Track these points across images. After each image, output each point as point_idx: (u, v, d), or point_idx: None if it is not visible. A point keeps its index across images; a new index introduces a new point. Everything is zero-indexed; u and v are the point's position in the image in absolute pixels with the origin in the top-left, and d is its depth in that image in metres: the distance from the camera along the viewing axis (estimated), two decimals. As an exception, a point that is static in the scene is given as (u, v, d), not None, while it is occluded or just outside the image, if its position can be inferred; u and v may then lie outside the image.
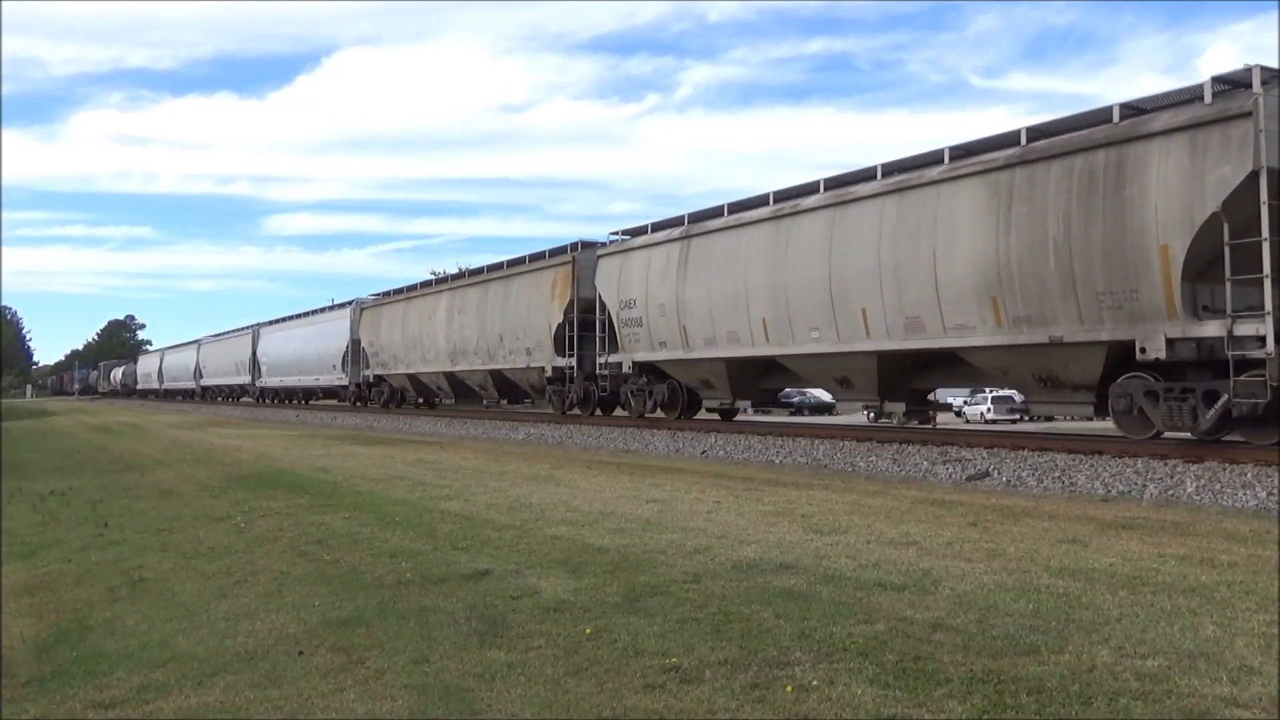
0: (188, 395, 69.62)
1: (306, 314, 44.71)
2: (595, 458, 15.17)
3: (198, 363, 63.10)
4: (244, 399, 55.73)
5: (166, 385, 73.81)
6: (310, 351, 41.64)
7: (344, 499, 10.77)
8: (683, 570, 6.27)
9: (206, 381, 61.65)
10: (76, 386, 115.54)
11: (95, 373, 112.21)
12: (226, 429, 28.26)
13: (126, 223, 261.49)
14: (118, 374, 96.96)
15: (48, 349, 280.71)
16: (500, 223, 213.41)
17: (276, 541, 8.32)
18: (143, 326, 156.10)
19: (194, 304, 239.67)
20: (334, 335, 38.79)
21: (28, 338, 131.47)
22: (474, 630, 5.13)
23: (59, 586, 7.49)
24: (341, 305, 39.50)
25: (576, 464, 13.88)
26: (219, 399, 60.99)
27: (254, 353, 50.63)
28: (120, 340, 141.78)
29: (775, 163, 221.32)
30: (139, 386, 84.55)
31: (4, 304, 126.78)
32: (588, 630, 4.98)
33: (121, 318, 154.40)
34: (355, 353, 36.98)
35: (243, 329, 54.61)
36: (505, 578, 6.29)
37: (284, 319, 48.43)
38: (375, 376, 35.57)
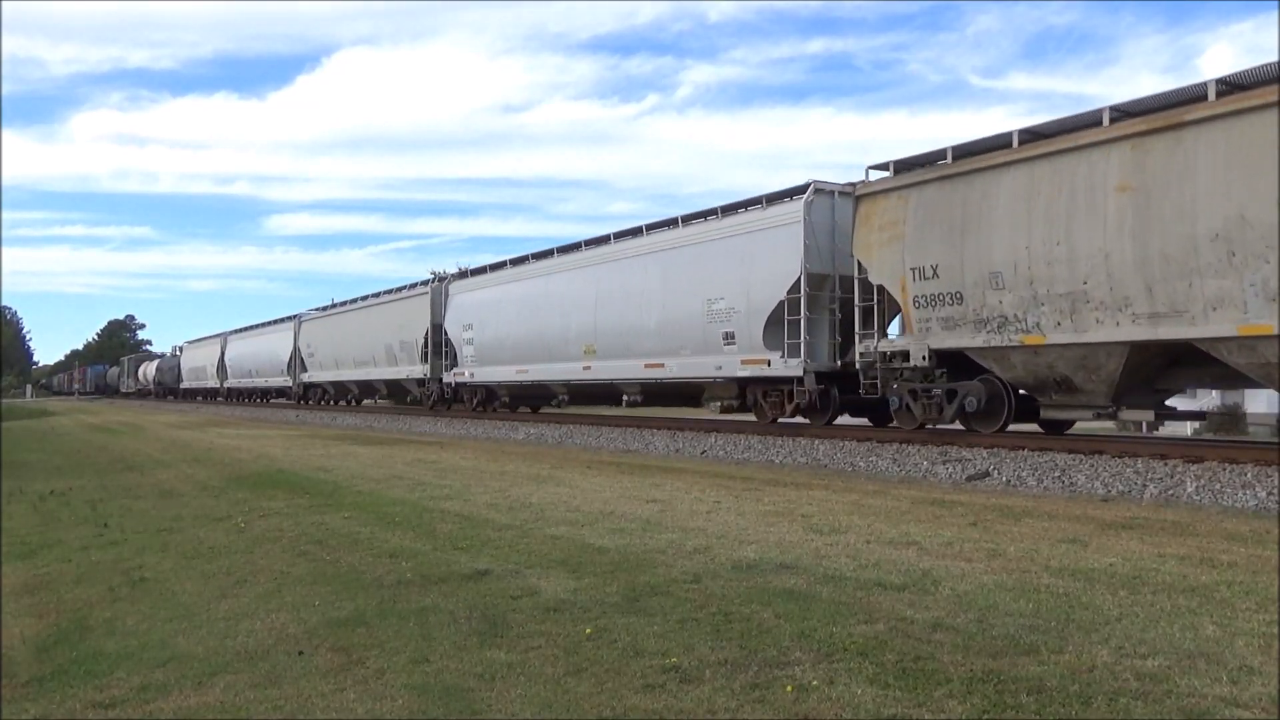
0: (267, 398, 48.96)
1: (545, 254, 24.42)
2: (595, 458, 15.17)
3: (297, 349, 41.59)
4: (370, 400, 37.50)
5: (235, 383, 52.39)
6: (617, 313, 20.69)
7: (344, 499, 10.77)
8: (683, 570, 6.27)
9: (316, 376, 40.22)
10: (76, 386, 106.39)
11: (116, 369, 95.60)
12: (226, 429, 28.26)
13: (126, 223, 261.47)
14: (149, 370, 77.33)
15: (48, 349, 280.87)
16: (500, 223, 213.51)
17: (276, 541, 8.32)
18: (143, 326, 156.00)
19: (194, 304, 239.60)
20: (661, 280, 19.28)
21: (28, 338, 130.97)
22: (474, 630, 5.13)
23: (59, 586, 7.49)
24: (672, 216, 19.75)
25: (576, 464, 13.88)
26: (341, 402, 40.36)
27: (437, 325, 29.48)
28: (120, 340, 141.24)
29: (775, 163, 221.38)
30: (185, 385, 64.95)
31: (4, 304, 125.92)
32: (588, 630, 4.98)
33: (121, 318, 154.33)
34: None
35: (410, 287, 32.77)
36: (505, 578, 6.29)
37: (492, 267, 27.86)
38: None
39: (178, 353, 72.70)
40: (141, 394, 79.64)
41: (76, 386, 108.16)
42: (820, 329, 15.98)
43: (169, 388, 70.70)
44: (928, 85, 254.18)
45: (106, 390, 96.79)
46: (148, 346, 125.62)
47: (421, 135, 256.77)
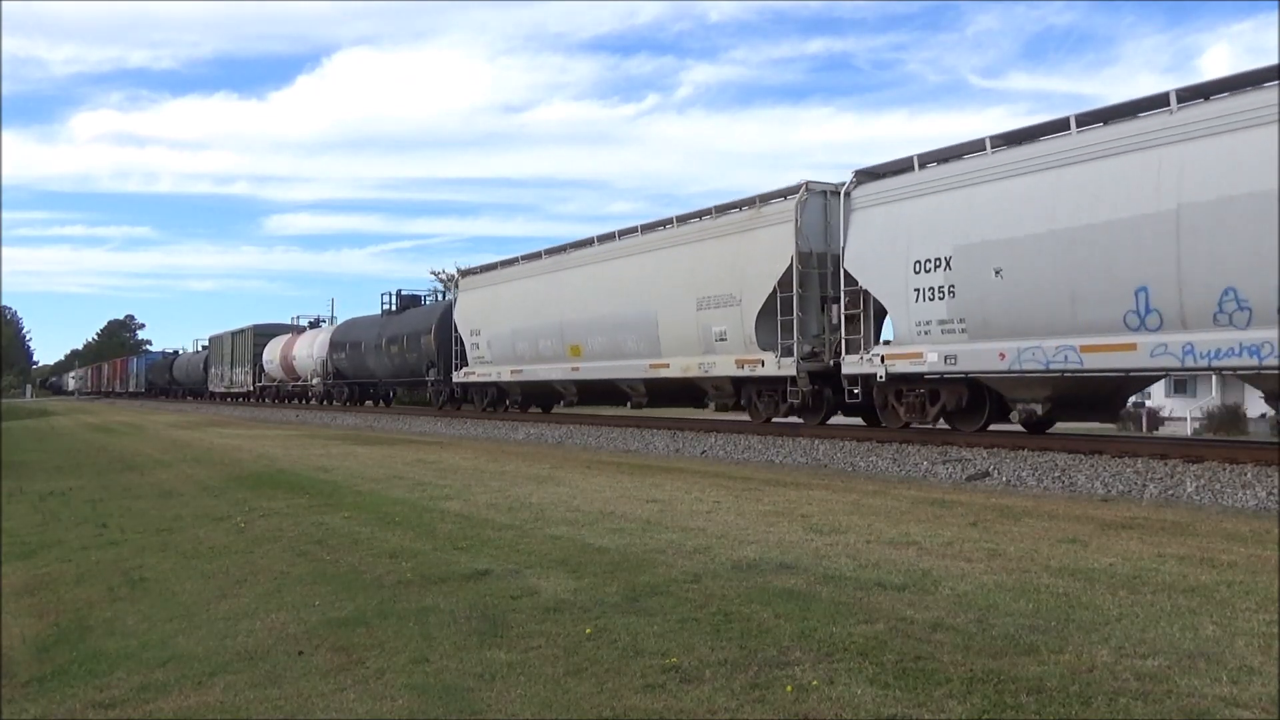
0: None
1: None
2: (595, 458, 15.17)
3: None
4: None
5: (524, 371, 23.97)
6: None
7: (344, 499, 10.77)
8: (683, 570, 6.27)
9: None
10: (90, 385, 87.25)
11: (197, 355, 60.69)
12: (226, 429, 28.26)
13: (126, 223, 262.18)
14: (304, 351, 40.47)
15: (48, 349, 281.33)
16: (500, 223, 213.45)
17: (276, 541, 8.32)
18: (142, 326, 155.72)
19: (194, 304, 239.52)
20: None
21: (28, 338, 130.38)
22: (474, 630, 5.13)
23: (59, 586, 7.49)
24: None
25: (576, 464, 13.88)
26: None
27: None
28: (120, 340, 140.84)
29: (775, 163, 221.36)
30: (477, 377, 26.20)
31: (4, 304, 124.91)
32: (588, 630, 4.98)
33: (121, 318, 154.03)
34: None
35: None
36: (505, 577, 6.29)
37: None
38: None
39: (388, 307, 34.03)
40: (273, 396, 45.58)
41: (88, 385, 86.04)
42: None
43: (366, 385, 35.65)
44: (928, 85, 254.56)
45: (170, 389, 65.31)
46: (148, 346, 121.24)
47: (421, 135, 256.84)
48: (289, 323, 49.09)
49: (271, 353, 45.07)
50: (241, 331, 50.80)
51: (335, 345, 37.32)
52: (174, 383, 64.36)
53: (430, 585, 6.22)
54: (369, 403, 37.18)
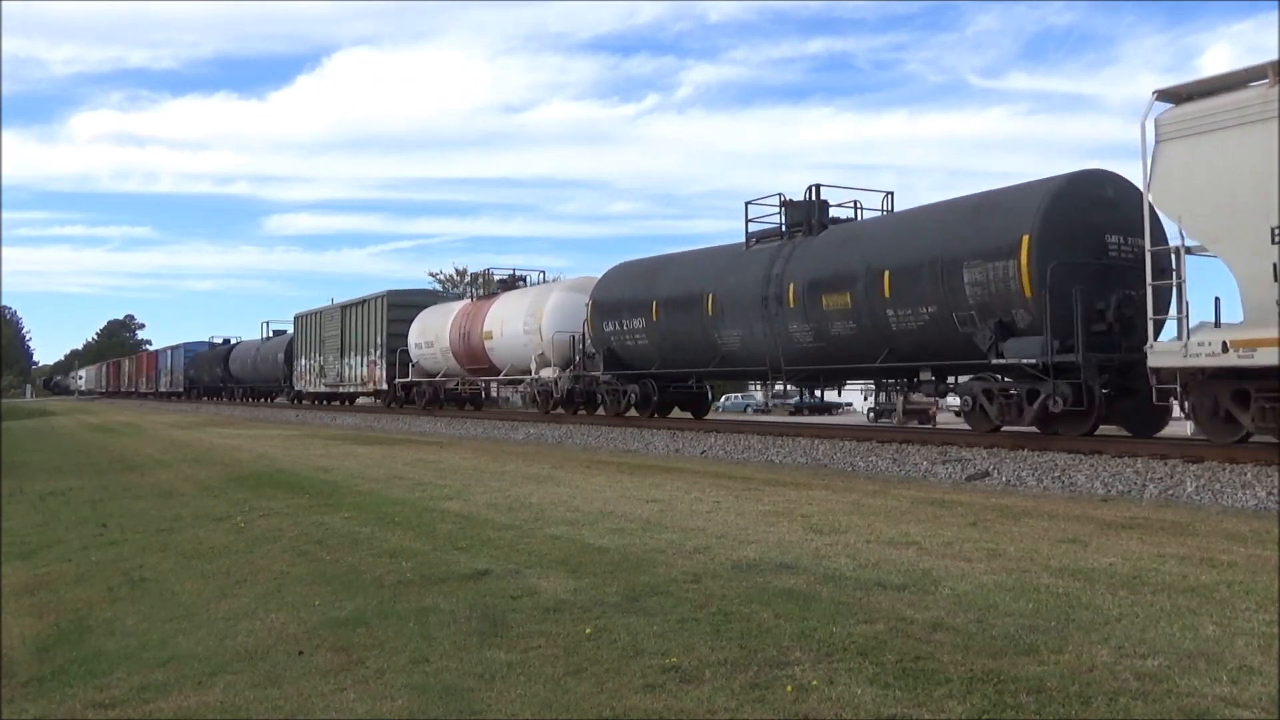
0: None
1: None
2: (595, 458, 15.17)
3: None
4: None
5: None
6: None
7: (344, 499, 10.77)
8: (683, 570, 6.27)
9: None
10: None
11: (255, 345, 47.46)
12: (226, 429, 28.26)
13: (126, 223, 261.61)
14: (513, 326, 23.46)
15: (48, 349, 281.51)
16: (500, 223, 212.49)
17: (276, 541, 8.32)
18: (142, 326, 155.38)
19: (194, 304, 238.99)
20: None
21: (28, 338, 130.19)
22: (474, 630, 5.13)
23: (59, 586, 7.50)
24: None
25: (576, 464, 13.88)
26: None
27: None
28: (120, 340, 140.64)
29: (775, 163, 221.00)
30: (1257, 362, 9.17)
31: (4, 304, 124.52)
32: (588, 630, 4.98)
33: (121, 318, 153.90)
34: None
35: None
36: (505, 577, 6.30)
37: None
38: None
39: (771, 225, 16.84)
40: (429, 399, 29.75)
41: (104, 384, 72.63)
42: None
43: (687, 376, 19.42)
44: (928, 85, 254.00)
45: (224, 389, 51.40)
46: (147, 346, 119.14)
47: (421, 135, 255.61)
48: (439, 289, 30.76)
49: (429, 330, 28.06)
50: (364, 302, 33.19)
51: (608, 309, 20.44)
52: (230, 379, 49.47)
53: (430, 585, 6.22)
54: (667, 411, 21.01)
